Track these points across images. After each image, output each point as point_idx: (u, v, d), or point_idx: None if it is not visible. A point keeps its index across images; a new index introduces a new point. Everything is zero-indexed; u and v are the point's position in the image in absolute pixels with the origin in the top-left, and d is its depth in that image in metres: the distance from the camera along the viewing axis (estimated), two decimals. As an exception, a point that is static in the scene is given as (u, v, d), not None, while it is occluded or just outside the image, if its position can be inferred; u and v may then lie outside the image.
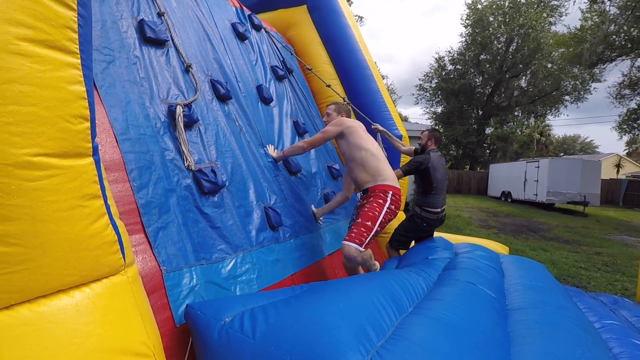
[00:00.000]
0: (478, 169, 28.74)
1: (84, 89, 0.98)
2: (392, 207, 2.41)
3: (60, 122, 0.90)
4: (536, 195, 15.63)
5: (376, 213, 2.35)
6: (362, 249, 2.30)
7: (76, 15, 0.95)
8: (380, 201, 2.38)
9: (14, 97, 0.82)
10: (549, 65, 25.10)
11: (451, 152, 31.82)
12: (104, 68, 1.83)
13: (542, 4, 23.89)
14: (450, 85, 27.96)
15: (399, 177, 3.37)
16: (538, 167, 15.68)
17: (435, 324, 1.46)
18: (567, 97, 25.85)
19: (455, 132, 28.65)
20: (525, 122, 28.65)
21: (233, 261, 1.95)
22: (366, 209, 2.38)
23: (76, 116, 0.95)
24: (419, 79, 31.40)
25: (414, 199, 10.92)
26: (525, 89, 27.51)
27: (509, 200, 18.05)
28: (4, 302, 0.88)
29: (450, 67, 29.33)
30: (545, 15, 23.79)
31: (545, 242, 8.09)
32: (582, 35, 17.65)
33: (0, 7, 0.79)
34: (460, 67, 28.74)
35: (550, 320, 1.75)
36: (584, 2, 15.35)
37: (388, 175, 2.51)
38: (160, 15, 2.35)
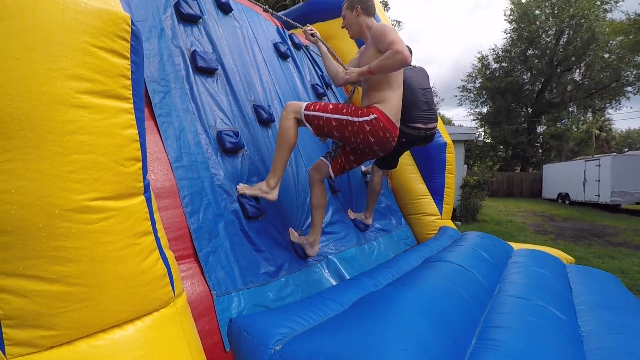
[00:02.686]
0: (530, 170, 27.09)
1: (136, 131, 1.03)
2: (367, 127, 2.04)
3: (115, 167, 0.96)
4: (598, 196, 14.42)
5: (344, 110, 2.09)
6: (303, 110, 2.12)
7: (129, 64, 1.01)
8: (360, 112, 2.07)
9: (75, 147, 0.88)
10: (606, 56, 23.19)
11: (499, 153, 30.31)
12: (161, 98, 1.95)
13: (595, -10, 22.27)
14: (495, 84, 26.72)
15: None
16: (599, 165, 14.48)
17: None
18: (629, 88, 23.75)
19: (503, 133, 27.25)
20: (582, 118, 26.67)
21: (278, 283, 1.97)
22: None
23: (129, 159, 1.01)
24: (462, 80, 30.19)
25: (460, 204, 10.43)
26: (580, 82, 25.61)
27: (567, 202, 16.83)
28: (66, 338, 0.94)
29: (494, 65, 28.04)
30: (598, 3, 22.10)
31: (612, 248, 7.38)
32: (644, 21, 16.21)
33: (64, 64, 0.86)
34: (505, 65, 27.40)
35: (636, 349, 1.56)
36: (645, -14, 14.09)
37: (388, 104, 2.10)
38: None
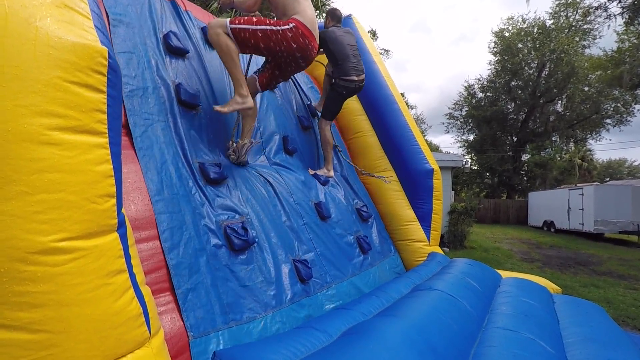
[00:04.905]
0: (516, 197, 27.48)
1: (111, 166, 1.00)
2: (289, 34, 2.32)
3: (86, 205, 0.92)
4: (582, 224, 14.62)
5: (267, 22, 2.31)
6: (228, 23, 2.25)
7: (105, 97, 0.98)
8: (282, 23, 2.34)
9: (43, 186, 0.84)
10: (586, 89, 24.13)
11: (486, 180, 30.75)
12: (143, 132, 1.92)
13: (573, 28, 23.31)
14: (481, 112, 27.38)
15: None
16: (582, 194, 14.76)
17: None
18: (608, 121, 24.60)
19: (489, 160, 27.74)
20: (565, 148, 27.40)
21: (263, 321, 1.90)
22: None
23: (102, 195, 0.96)
24: (449, 108, 30.89)
25: (447, 231, 10.45)
26: (562, 113, 26.44)
27: (552, 230, 17.01)
28: (28, 390, 0.87)
29: (480, 94, 28.83)
30: (577, 39, 23.13)
31: (597, 277, 7.41)
32: (620, 57, 16.97)
33: (34, 101, 0.83)
34: (491, 95, 28.19)
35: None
36: (619, 25, 14.80)
37: (304, 14, 2.38)
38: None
